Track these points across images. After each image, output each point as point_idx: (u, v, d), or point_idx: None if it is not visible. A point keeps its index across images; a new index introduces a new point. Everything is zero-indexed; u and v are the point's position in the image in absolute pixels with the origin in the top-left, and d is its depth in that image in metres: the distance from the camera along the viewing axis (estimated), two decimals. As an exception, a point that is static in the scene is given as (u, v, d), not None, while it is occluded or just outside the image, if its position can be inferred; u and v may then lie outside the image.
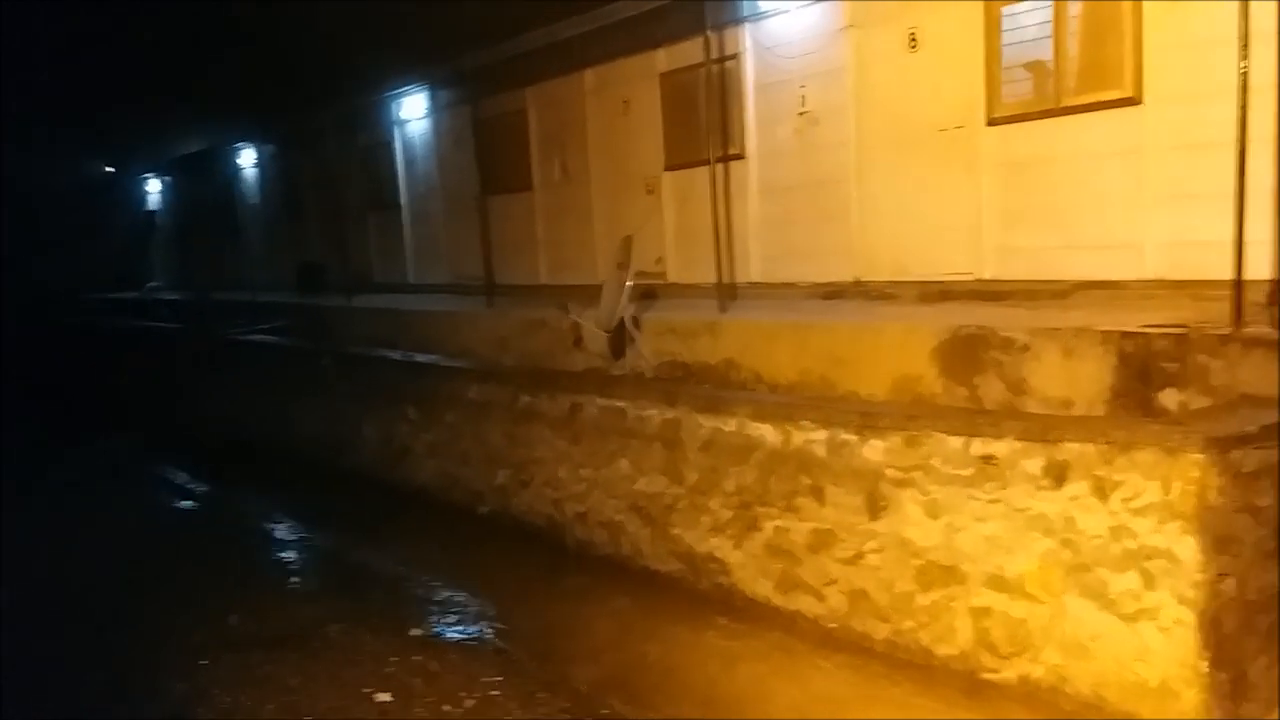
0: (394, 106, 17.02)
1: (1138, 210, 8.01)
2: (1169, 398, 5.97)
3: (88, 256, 28.96)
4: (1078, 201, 8.41)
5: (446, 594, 7.66)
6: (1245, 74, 5.94)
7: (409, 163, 17.33)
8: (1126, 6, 7.85)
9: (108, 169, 29.10)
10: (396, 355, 11.62)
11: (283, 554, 9.20)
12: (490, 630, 6.96)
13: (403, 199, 17.53)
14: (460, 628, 7.03)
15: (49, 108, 25.96)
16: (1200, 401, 5.82)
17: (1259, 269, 6.41)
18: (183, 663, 6.47)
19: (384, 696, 5.84)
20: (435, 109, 16.34)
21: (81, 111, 25.88)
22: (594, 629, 6.88)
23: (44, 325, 24.54)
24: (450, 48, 13.98)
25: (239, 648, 6.62)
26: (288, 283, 19.74)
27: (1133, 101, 7.95)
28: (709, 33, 9.91)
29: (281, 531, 9.75)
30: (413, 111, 16.85)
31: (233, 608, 7.38)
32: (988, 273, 9.13)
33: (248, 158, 22.23)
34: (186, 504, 11.45)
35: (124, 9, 22.87)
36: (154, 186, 27.99)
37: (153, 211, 28.26)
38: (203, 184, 23.47)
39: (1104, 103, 8.14)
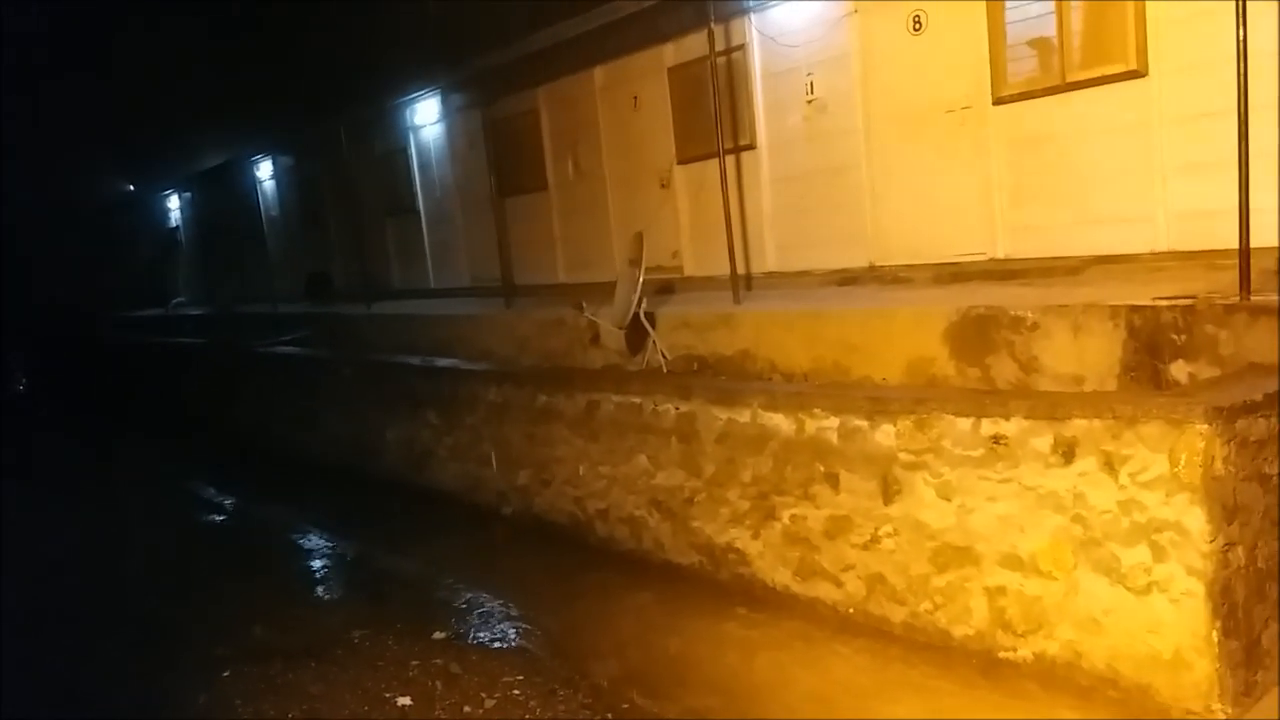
0: (408, 112, 17.13)
1: (1148, 183, 7.99)
2: (1179, 369, 5.95)
3: (112, 275, 29.36)
4: (1088, 176, 8.38)
5: (470, 596, 7.70)
6: (1243, 41, 5.88)
7: (424, 168, 17.44)
8: (1127, -21, 7.82)
9: (129, 187, 29.41)
10: (416, 360, 11.69)
11: (308, 561, 9.29)
12: (513, 630, 7.00)
13: (420, 204, 17.65)
14: (483, 629, 7.06)
15: (69, 129, 26.33)
16: (1210, 372, 5.79)
17: (1268, 236, 6.37)
18: (206, 674, 6.52)
19: (405, 700, 5.87)
20: (448, 113, 16.43)
21: (101, 131, 26.22)
22: (616, 625, 6.89)
23: (71, 345, 24.91)
24: (460, 51, 14.08)
25: (262, 658, 6.66)
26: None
27: (1138, 74, 7.92)
28: (714, 24, 9.90)
29: (307, 539, 9.84)
30: (426, 116, 16.96)
31: (256, 618, 7.44)
32: (1001, 252, 9.12)
33: (265, 170, 22.42)
34: (212, 513, 11.60)
35: (140, 27, 23.16)
36: (175, 203, 28.23)
37: (175, 228, 28.55)
38: (222, 198, 23.69)
39: (1109, 77, 8.12)
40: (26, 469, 15.37)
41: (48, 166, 27.58)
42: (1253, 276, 5.96)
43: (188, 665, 6.77)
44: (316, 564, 9.23)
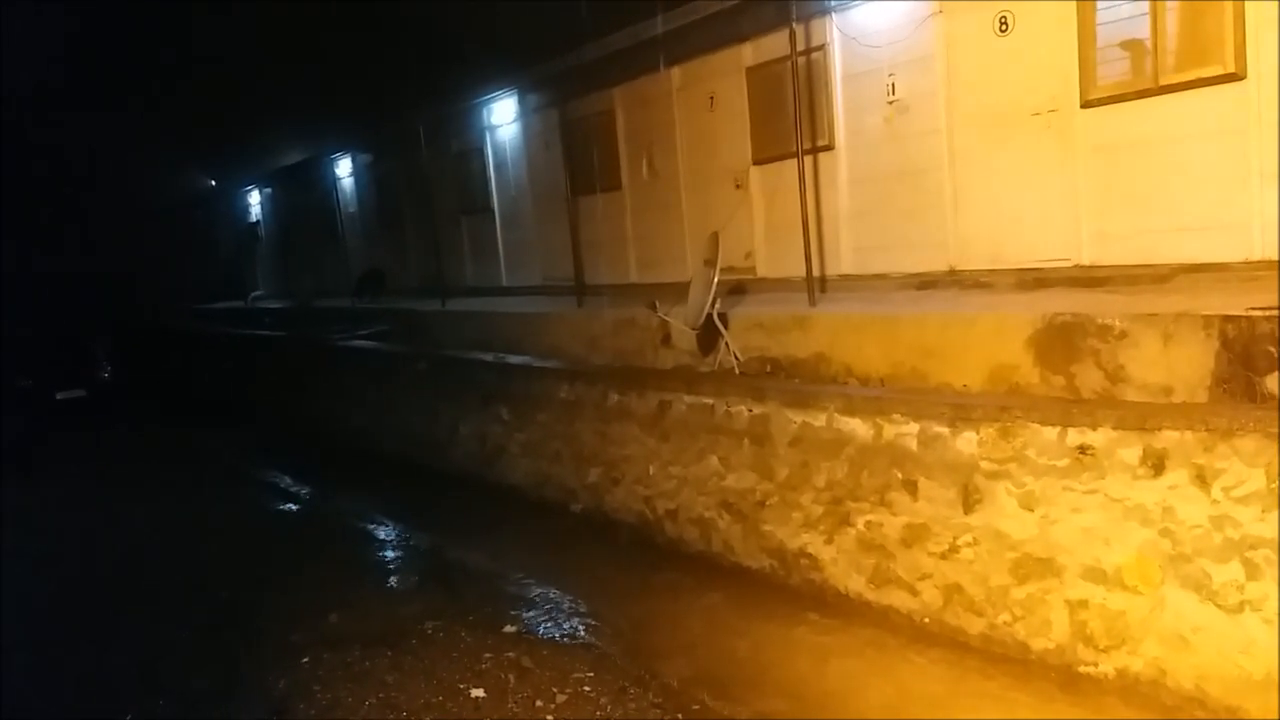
0: (484, 112, 17.24)
1: (1242, 190, 7.73)
2: (1274, 383, 5.74)
3: (194, 268, 30.01)
4: (1178, 183, 8.15)
5: (540, 591, 7.74)
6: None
7: (499, 167, 17.53)
8: (1227, -20, 7.59)
9: (211, 183, 30.03)
10: (489, 357, 11.77)
11: (382, 552, 9.41)
12: (582, 626, 7.02)
13: (494, 203, 17.73)
14: (553, 624, 7.10)
15: (156, 127, 26.93)
16: (1309, 386, 5.60)
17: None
18: (284, 660, 6.66)
19: (478, 692, 5.92)
20: (524, 113, 16.50)
21: (186, 129, 26.79)
22: (685, 625, 6.89)
23: (154, 334, 25.47)
24: (538, 52, 14.14)
25: (338, 645, 6.77)
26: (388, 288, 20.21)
27: (1235, 78, 7.67)
28: (795, 24, 9.81)
29: (380, 530, 9.96)
30: (502, 116, 17.04)
31: (332, 605, 7.56)
32: (1086, 258, 8.90)
33: (344, 167, 22.71)
34: (288, 503, 11.78)
35: (224, 27, 23.61)
36: (255, 198, 28.75)
37: (255, 222, 29.08)
38: (302, 194, 24.10)
39: (1205, 80, 7.86)
40: (108, 455, 15.73)
41: (132, 161, 28.26)
42: (1356, 288, 5.76)
43: (267, 650, 6.91)
44: (389, 554, 9.35)
